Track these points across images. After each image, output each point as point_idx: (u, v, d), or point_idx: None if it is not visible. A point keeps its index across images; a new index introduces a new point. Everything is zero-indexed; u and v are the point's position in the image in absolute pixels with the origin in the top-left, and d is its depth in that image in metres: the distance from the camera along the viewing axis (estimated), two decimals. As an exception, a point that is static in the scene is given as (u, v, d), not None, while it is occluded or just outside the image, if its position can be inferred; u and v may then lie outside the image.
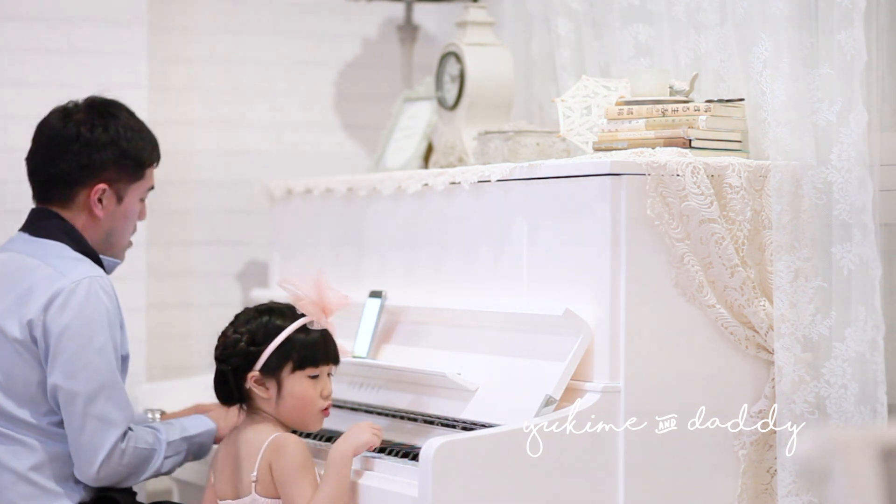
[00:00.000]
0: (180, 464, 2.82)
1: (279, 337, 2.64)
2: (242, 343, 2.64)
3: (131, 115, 2.85)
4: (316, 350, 2.65)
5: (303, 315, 2.67)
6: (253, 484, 2.61)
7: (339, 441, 2.59)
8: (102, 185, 2.77)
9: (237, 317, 2.71)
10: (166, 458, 2.76)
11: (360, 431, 2.59)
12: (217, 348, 2.68)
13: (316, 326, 2.67)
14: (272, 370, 2.64)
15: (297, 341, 2.64)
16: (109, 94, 2.88)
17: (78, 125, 2.78)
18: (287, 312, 2.67)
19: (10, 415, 2.69)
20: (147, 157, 2.82)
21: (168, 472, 2.80)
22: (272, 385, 2.64)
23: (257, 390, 2.64)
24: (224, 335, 2.68)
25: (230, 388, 2.66)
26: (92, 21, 3.64)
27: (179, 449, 2.79)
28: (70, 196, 2.78)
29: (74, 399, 2.66)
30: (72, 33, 3.63)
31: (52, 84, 3.59)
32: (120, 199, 2.80)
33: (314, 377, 2.65)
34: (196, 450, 2.83)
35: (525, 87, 3.39)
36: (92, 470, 2.67)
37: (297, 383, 2.64)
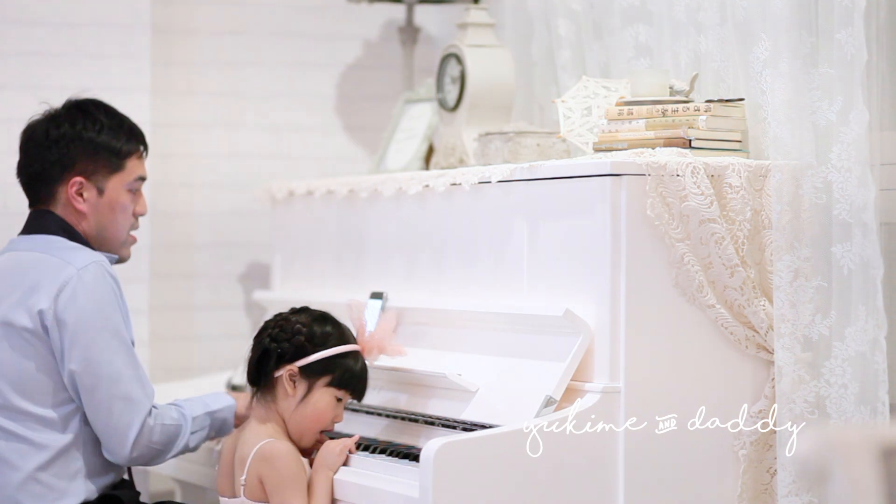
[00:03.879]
0: (205, 439, 2.83)
1: (335, 349, 2.68)
2: (301, 336, 2.67)
3: (105, 108, 2.86)
4: (356, 378, 2.70)
5: (356, 342, 2.73)
6: (242, 487, 2.63)
7: (318, 465, 2.63)
8: (78, 179, 2.79)
9: (298, 311, 2.73)
10: (192, 433, 2.78)
11: (329, 453, 2.63)
12: (273, 328, 2.70)
13: (364, 357, 2.74)
14: (310, 374, 2.67)
15: (345, 362, 2.69)
16: (89, 94, 2.90)
17: (46, 125, 2.82)
18: (346, 334, 2.73)
19: (20, 409, 2.70)
20: (123, 147, 2.83)
21: (195, 448, 2.81)
22: (301, 387, 2.67)
23: (286, 385, 2.66)
24: (285, 319, 2.70)
25: (266, 368, 2.68)
26: (95, 25, 3.65)
27: (203, 424, 2.81)
28: (52, 194, 2.81)
29: (98, 383, 2.67)
30: (75, 37, 3.64)
31: (56, 87, 3.58)
32: (101, 192, 2.81)
33: (338, 400, 2.70)
34: (219, 425, 2.84)
35: (525, 88, 3.39)
36: (125, 451, 2.69)
37: (323, 397, 2.67)
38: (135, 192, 2.86)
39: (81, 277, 2.69)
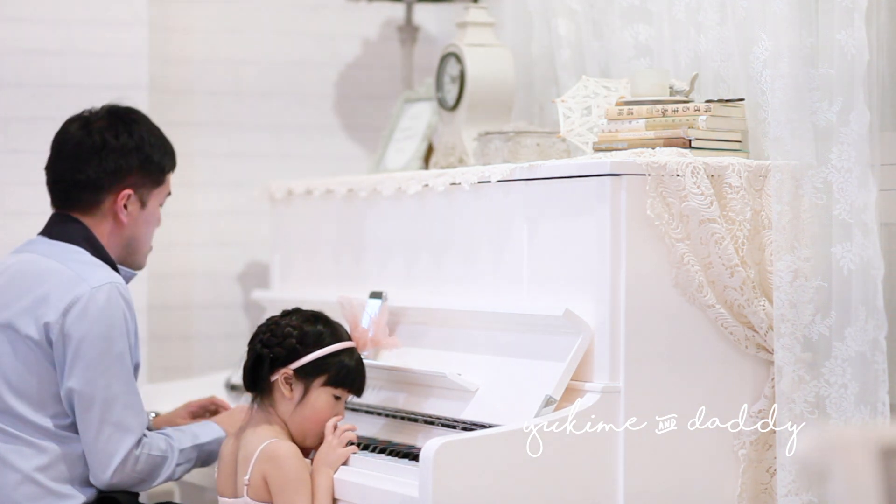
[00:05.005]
0: (189, 470, 2.84)
1: (328, 348, 2.68)
2: (293, 339, 2.67)
3: (150, 121, 2.88)
4: (352, 375, 2.70)
5: (350, 339, 2.73)
6: (245, 487, 2.63)
7: (318, 464, 2.62)
8: (128, 191, 2.79)
9: (289, 313, 2.73)
10: (178, 465, 2.78)
11: (329, 451, 2.63)
12: (264, 333, 2.70)
13: (359, 352, 2.74)
14: (306, 375, 2.67)
15: (340, 360, 2.69)
16: (127, 102, 2.89)
17: (102, 132, 2.80)
18: (339, 331, 2.73)
19: (18, 415, 2.70)
20: (168, 163, 2.87)
21: (178, 478, 2.82)
22: (298, 389, 2.67)
23: (283, 388, 2.66)
24: (275, 324, 2.71)
25: (261, 374, 2.68)
26: (93, 22, 3.64)
27: (190, 456, 2.81)
28: (96, 203, 2.79)
29: (92, 404, 2.67)
30: (73, 34, 3.63)
31: (54, 85, 3.59)
32: (144, 205, 2.82)
33: (337, 398, 2.69)
34: (205, 457, 2.85)
35: (525, 87, 3.39)
36: (106, 475, 2.69)
37: (321, 397, 2.67)
38: (161, 206, 2.88)
39: (94, 297, 2.68)
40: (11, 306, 2.72)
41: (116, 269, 2.79)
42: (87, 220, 2.79)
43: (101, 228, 2.79)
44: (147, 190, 2.82)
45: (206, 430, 2.85)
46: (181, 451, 2.78)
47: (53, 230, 2.81)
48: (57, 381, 2.69)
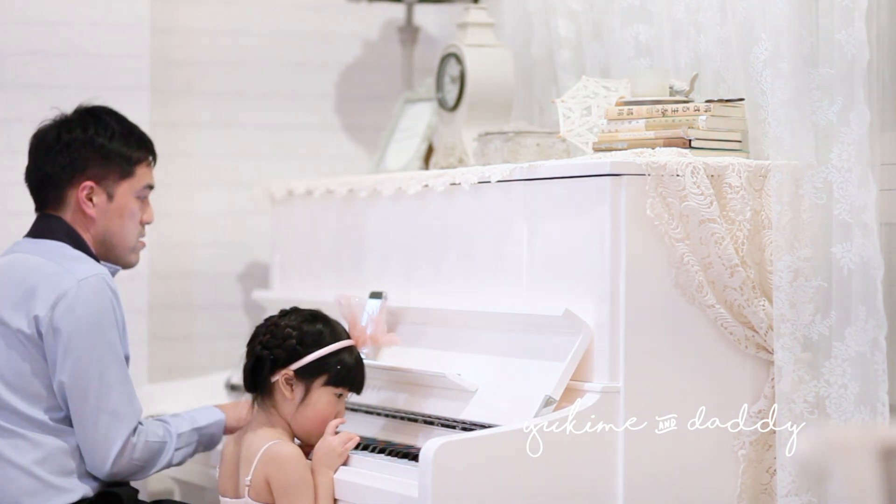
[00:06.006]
0: (191, 455, 2.84)
1: (328, 348, 2.68)
2: (292, 339, 2.67)
3: (116, 116, 2.88)
4: (353, 373, 2.70)
5: (349, 337, 2.73)
6: (246, 487, 2.63)
7: (318, 465, 2.62)
8: (89, 183, 2.81)
9: (288, 313, 2.73)
10: (177, 449, 2.78)
11: (329, 452, 2.63)
12: (264, 334, 2.70)
13: (358, 350, 2.75)
14: (306, 376, 2.67)
15: (340, 359, 2.69)
16: (99, 101, 2.91)
17: (58, 129, 2.84)
18: (338, 330, 2.73)
19: (13, 409, 2.71)
20: (133, 154, 2.85)
21: (179, 464, 2.82)
22: (299, 390, 2.67)
23: (284, 389, 2.66)
24: (274, 325, 2.70)
25: (261, 376, 2.68)
26: (94, 23, 3.65)
27: (190, 440, 2.81)
28: (62, 198, 2.82)
29: (86, 395, 2.68)
30: (74, 36, 3.64)
31: (55, 86, 3.59)
32: (111, 197, 2.82)
33: (338, 396, 2.69)
34: (206, 441, 2.85)
35: (525, 87, 3.39)
36: (106, 465, 2.69)
37: (322, 396, 2.67)
38: (142, 200, 2.87)
39: (81, 289, 2.69)
40: (1, 302, 2.73)
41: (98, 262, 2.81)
42: (64, 217, 2.82)
43: (76, 224, 2.81)
44: (112, 182, 2.82)
45: (206, 415, 2.86)
46: (179, 435, 2.78)
47: (35, 230, 2.84)
48: (49, 375, 2.70)
